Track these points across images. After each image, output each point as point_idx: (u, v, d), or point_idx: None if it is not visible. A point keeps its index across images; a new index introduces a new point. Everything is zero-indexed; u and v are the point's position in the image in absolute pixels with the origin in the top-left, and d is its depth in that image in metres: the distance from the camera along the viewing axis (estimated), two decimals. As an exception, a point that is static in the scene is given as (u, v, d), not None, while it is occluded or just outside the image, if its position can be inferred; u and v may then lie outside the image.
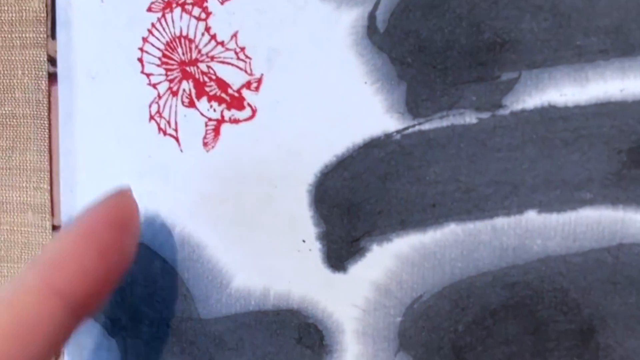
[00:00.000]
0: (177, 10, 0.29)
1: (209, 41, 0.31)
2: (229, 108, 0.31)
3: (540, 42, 0.28)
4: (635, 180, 0.28)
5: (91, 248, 0.23)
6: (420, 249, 0.30)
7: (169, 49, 0.31)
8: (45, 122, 0.31)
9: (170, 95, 0.31)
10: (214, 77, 0.31)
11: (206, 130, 0.31)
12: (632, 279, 0.28)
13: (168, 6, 0.29)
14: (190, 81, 0.31)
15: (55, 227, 0.32)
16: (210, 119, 0.31)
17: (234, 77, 0.31)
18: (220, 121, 0.31)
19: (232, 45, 0.31)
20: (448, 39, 0.29)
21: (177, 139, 0.31)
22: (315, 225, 0.30)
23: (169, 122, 0.31)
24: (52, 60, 0.32)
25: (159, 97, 0.31)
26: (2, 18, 0.31)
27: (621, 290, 0.29)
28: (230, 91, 0.31)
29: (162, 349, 0.32)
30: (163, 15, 0.30)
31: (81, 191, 0.32)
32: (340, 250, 0.30)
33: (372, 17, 0.29)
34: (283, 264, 0.30)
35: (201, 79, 0.31)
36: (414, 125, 0.30)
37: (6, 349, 0.21)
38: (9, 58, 0.31)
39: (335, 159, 0.30)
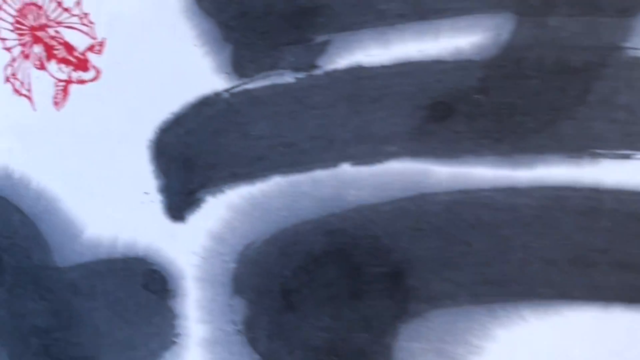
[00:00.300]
0: (28, -23, 0.40)
1: (56, 8, 0.41)
2: (75, 70, 0.41)
3: (348, 7, 0.39)
4: (433, 134, 0.38)
5: None
6: (250, 199, 0.40)
7: (20, 15, 0.42)
8: None
9: (24, 58, 0.42)
10: (61, 41, 0.41)
11: (56, 91, 0.42)
12: (434, 225, 0.39)
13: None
14: (41, 45, 0.42)
15: None
16: (59, 80, 0.42)
17: (80, 41, 0.42)
18: (69, 82, 0.42)
19: (77, 11, 0.41)
20: (267, 4, 0.39)
21: (30, 99, 0.43)
22: (156, 178, 0.41)
23: (22, 84, 0.42)
24: None
25: (13, 60, 0.43)
26: None
27: (425, 237, 0.39)
28: (76, 54, 0.41)
29: (24, 296, 0.44)
30: (17, -19, 0.41)
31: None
32: (179, 202, 0.41)
33: (200, -17, 0.40)
34: (129, 215, 0.41)
35: (50, 43, 0.42)
36: (239, 85, 0.40)
37: None
38: None
39: (172, 116, 0.41)
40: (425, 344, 0.37)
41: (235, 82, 0.38)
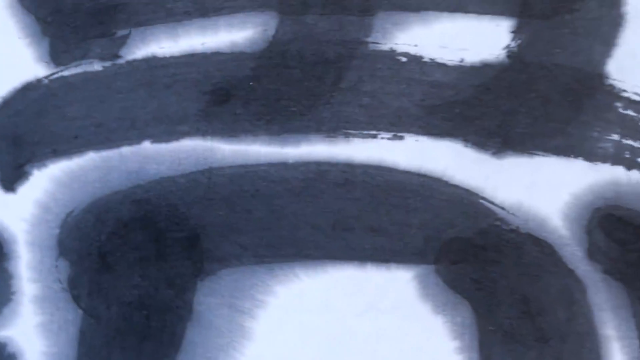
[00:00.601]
0: None
1: None
2: None
3: (142, 5, 0.62)
4: (217, 115, 0.61)
5: None
6: (69, 172, 0.63)
7: None
8: None
9: None
10: None
11: None
12: (222, 195, 0.62)
13: None
14: None
15: None
16: None
17: None
18: None
19: None
20: (76, 3, 0.62)
21: None
22: None
23: None
24: None
25: None
26: None
27: (214, 205, 0.62)
28: None
29: None
30: None
31: None
32: (10, 175, 0.64)
33: (20, -18, 0.63)
34: None
35: None
36: (57, 72, 0.64)
37: None
38: None
39: (1, 100, 0.65)
40: (219, 299, 0.60)
41: (53, 70, 0.62)
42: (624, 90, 0.51)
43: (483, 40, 0.52)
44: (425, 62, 0.53)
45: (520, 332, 0.53)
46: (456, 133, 0.52)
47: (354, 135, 0.55)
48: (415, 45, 0.53)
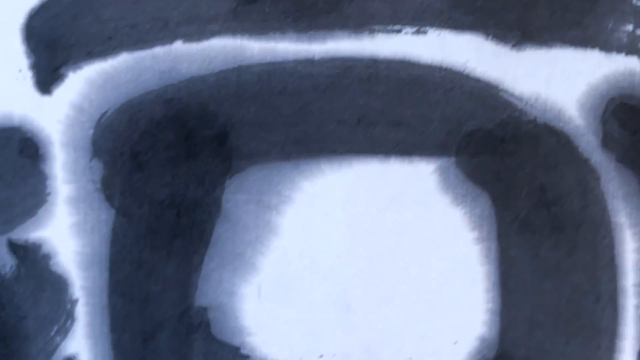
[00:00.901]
0: None
1: None
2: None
3: None
4: (247, 14, 0.71)
5: None
6: (103, 74, 0.74)
7: None
8: None
9: None
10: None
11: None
12: (251, 92, 0.72)
13: None
14: None
15: None
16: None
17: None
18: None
19: None
20: None
21: None
22: (27, 57, 0.77)
23: None
24: None
25: None
26: None
27: (244, 102, 0.72)
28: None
29: None
30: None
31: None
32: (46, 77, 0.76)
33: None
34: (5, 91, 0.77)
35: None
36: None
37: None
38: None
39: (38, 2, 0.77)
40: (247, 196, 0.71)
41: (89, -27, 0.73)
42: (638, -18, 0.61)
43: None
44: (448, -43, 0.62)
45: (537, 221, 0.62)
46: (477, 27, 0.62)
47: (379, 31, 0.63)
48: (438, -59, 0.62)
